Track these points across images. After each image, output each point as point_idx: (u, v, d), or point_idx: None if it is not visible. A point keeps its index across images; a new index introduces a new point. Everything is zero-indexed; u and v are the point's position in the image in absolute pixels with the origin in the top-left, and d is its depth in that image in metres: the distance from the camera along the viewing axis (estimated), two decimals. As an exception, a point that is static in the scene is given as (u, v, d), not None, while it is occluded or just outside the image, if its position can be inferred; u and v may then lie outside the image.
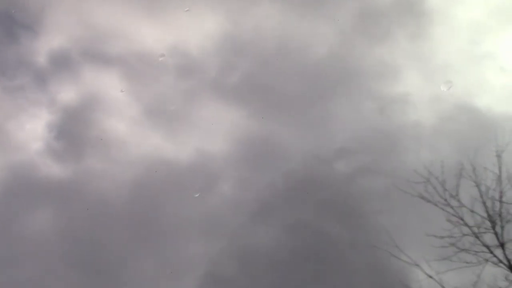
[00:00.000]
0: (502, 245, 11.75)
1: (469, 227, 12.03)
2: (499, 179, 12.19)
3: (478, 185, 12.09)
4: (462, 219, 12.11)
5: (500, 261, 11.70)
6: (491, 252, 11.80)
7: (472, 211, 12.08)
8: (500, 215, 11.92)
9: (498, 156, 12.39)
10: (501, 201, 12.04)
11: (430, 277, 11.79)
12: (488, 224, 11.92)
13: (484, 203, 12.01)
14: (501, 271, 11.68)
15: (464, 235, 11.99)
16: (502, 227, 11.83)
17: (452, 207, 12.19)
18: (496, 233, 11.84)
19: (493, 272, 11.72)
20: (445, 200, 12.23)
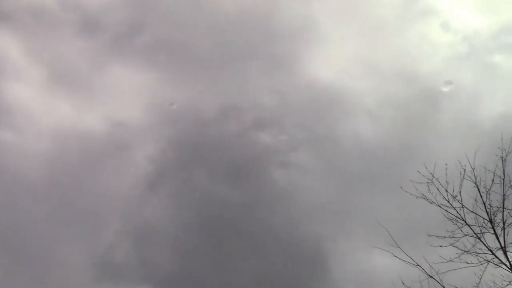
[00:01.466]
0: (503, 247, 11.85)
1: (471, 228, 12.16)
2: (502, 182, 12.29)
3: (479, 187, 12.19)
4: (464, 220, 12.23)
5: (502, 263, 11.78)
6: (493, 254, 11.90)
7: (473, 212, 12.20)
8: (502, 217, 12.03)
9: (503, 159, 12.48)
10: (503, 205, 12.13)
11: (431, 277, 11.90)
12: (489, 225, 12.02)
13: (485, 204, 12.12)
14: (503, 272, 11.77)
15: (465, 235, 12.12)
16: (504, 229, 11.93)
17: (454, 208, 12.33)
18: (497, 235, 11.94)
19: (495, 273, 11.81)
20: (448, 201, 12.38)
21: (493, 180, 12.19)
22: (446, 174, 12.36)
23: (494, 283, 11.70)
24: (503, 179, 12.30)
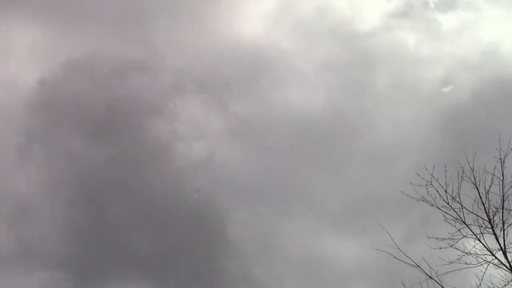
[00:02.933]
0: (503, 248, 11.89)
1: (470, 229, 12.21)
2: (501, 183, 12.35)
3: (478, 188, 12.25)
4: (463, 221, 12.29)
5: (501, 263, 11.82)
6: (492, 255, 11.94)
7: (473, 213, 12.26)
8: (501, 218, 12.08)
9: (501, 161, 12.54)
10: (503, 205, 12.18)
11: (431, 278, 11.95)
12: (489, 226, 12.08)
13: (484, 205, 12.18)
14: (502, 273, 11.81)
15: (465, 236, 12.17)
16: (503, 230, 11.98)
17: (453, 209, 12.39)
18: (497, 236, 11.99)
19: (494, 274, 11.85)
20: (447, 202, 12.44)
21: (492, 181, 12.26)
22: (445, 176, 12.45)
23: (494, 284, 11.75)
24: (502, 180, 12.38)
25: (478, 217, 12.20)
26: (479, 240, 12.12)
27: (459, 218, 12.34)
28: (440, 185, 12.48)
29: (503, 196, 12.23)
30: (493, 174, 12.28)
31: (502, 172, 12.40)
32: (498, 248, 11.95)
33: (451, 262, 12.10)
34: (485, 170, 12.32)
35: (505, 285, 11.57)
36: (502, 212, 12.11)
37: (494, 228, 12.02)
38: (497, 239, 11.97)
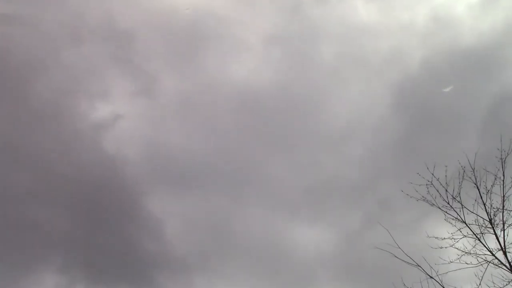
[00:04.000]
0: (503, 248, 11.89)
1: (471, 229, 12.21)
2: (502, 183, 12.35)
3: (479, 188, 12.24)
4: (464, 222, 12.29)
5: (502, 263, 11.83)
6: (493, 254, 11.94)
7: (474, 213, 12.26)
8: (502, 218, 12.08)
9: (502, 161, 12.54)
10: (503, 205, 12.18)
11: (431, 277, 11.94)
12: (489, 226, 12.08)
13: (485, 205, 12.19)
14: (503, 273, 11.81)
15: (465, 236, 12.18)
16: (504, 230, 11.98)
17: (454, 209, 12.39)
18: (497, 236, 11.99)
19: (495, 274, 11.85)
20: (447, 202, 12.43)
21: (493, 181, 12.25)
22: (446, 175, 12.44)
23: (494, 284, 11.75)
24: (503, 180, 12.37)
25: (479, 217, 12.21)
26: (479, 240, 12.13)
27: (459, 217, 12.35)
28: (440, 184, 12.49)
29: (504, 196, 12.25)
30: (494, 175, 12.30)
31: (503, 173, 12.41)
32: (498, 248, 11.96)
33: (451, 262, 12.11)
34: (486, 170, 12.34)
35: (505, 285, 11.58)
36: (503, 212, 12.13)
37: (494, 228, 12.02)
38: (497, 239, 11.97)
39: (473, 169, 12.29)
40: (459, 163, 12.37)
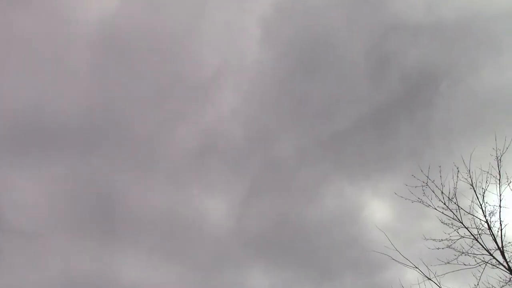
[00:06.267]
0: (501, 248, 11.86)
1: (468, 229, 12.19)
2: (498, 182, 12.32)
3: (475, 188, 12.22)
4: (461, 222, 12.27)
5: (499, 263, 11.80)
6: (490, 255, 11.92)
7: (470, 213, 12.24)
8: (499, 218, 12.05)
9: (498, 160, 12.50)
10: (500, 205, 12.16)
11: (429, 279, 11.96)
12: (486, 226, 12.05)
13: (481, 205, 12.16)
14: (500, 273, 11.79)
15: (463, 237, 12.16)
16: (501, 230, 11.95)
17: (450, 210, 12.38)
18: (494, 236, 11.96)
19: (492, 274, 11.84)
20: (444, 203, 12.42)
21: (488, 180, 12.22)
22: (440, 176, 12.43)
23: (492, 284, 11.75)
24: (499, 179, 12.34)
25: (475, 217, 12.19)
26: (476, 240, 12.10)
27: (456, 218, 12.33)
28: (436, 186, 12.48)
29: (500, 196, 12.22)
30: (490, 174, 12.27)
31: (499, 171, 12.38)
32: (495, 248, 11.93)
33: (449, 263, 12.10)
34: (481, 170, 12.31)
35: (503, 285, 11.56)
36: (500, 211, 12.10)
37: (491, 228, 12.00)
38: (494, 239, 11.94)
39: (469, 170, 12.28)
40: (454, 164, 12.37)
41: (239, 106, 24.37)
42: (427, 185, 12.52)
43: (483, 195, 12.22)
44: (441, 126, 23.83)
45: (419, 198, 12.56)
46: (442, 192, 12.39)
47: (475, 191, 12.29)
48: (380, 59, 24.53)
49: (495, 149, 12.54)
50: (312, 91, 24.08)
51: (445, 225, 12.32)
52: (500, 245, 11.86)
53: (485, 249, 11.99)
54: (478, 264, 11.95)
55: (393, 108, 24.51)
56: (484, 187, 12.26)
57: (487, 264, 11.86)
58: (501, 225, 12.02)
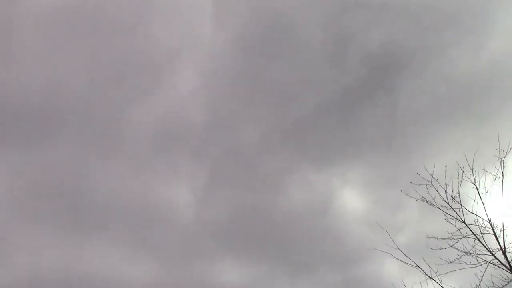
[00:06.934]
0: (503, 248, 11.86)
1: (470, 229, 12.18)
2: (501, 183, 12.34)
3: (478, 188, 12.21)
4: (463, 222, 12.26)
5: (501, 263, 11.80)
6: (492, 255, 11.91)
7: (473, 213, 12.23)
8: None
9: (501, 160, 12.52)
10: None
11: (431, 278, 11.93)
12: (489, 226, 12.05)
13: (484, 205, 12.15)
14: (502, 273, 11.79)
15: (465, 236, 12.14)
16: (503, 230, 11.95)
17: (453, 209, 12.36)
18: (496, 236, 11.96)
19: (494, 274, 11.83)
20: (447, 202, 12.40)
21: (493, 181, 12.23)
22: (445, 176, 12.40)
23: (494, 284, 11.73)
24: (502, 180, 12.36)
25: (478, 217, 12.18)
26: (479, 240, 12.08)
27: (459, 218, 12.31)
28: (440, 185, 12.45)
29: (503, 196, 12.23)
30: (494, 175, 12.28)
31: (502, 172, 12.40)
32: (498, 248, 11.93)
33: (451, 262, 12.08)
34: (484, 170, 12.32)
35: (505, 285, 11.55)
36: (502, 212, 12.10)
37: (494, 228, 11.99)
38: (497, 239, 11.93)
39: (472, 170, 12.28)
40: (458, 163, 12.35)
41: (197, 89, 23.77)
42: (431, 184, 12.50)
43: (486, 195, 12.23)
44: (409, 112, 22.99)
45: (423, 197, 12.54)
46: (445, 191, 12.38)
47: (478, 191, 12.30)
48: (340, 39, 23.54)
49: (498, 149, 12.59)
50: (271, 74, 23.46)
51: (447, 223, 12.29)
52: (502, 246, 11.88)
53: (487, 249, 12.00)
54: (479, 264, 11.95)
55: (357, 92, 23.66)
56: (487, 187, 12.27)
57: (489, 264, 11.86)
58: (503, 225, 12.06)
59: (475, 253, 12.01)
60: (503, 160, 12.50)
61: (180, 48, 23.44)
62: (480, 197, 12.21)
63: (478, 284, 11.82)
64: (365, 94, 23.80)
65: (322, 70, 23.01)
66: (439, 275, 11.92)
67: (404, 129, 22.50)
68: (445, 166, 12.38)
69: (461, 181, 12.28)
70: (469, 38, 22.23)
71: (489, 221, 12.06)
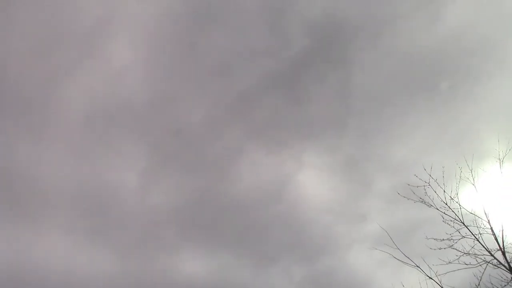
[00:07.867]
0: (502, 248, 11.88)
1: (469, 229, 12.21)
2: (500, 183, 12.37)
3: (477, 188, 12.26)
4: (462, 222, 12.30)
5: (501, 264, 11.81)
6: (491, 255, 11.93)
7: (472, 213, 12.27)
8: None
9: (500, 161, 12.57)
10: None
11: (430, 278, 11.96)
12: (488, 226, 12.08)
13: (483, 206, 12.19)
14: (502, 273, 11.80)
15: (464, 237, 12.17)
16: (502, 230, 11.98)
17: (452, 210, 12.40)
18: (496, 236, 11.98)
19: (494, 274, 11.84)
20: (446, 203, 12.45)
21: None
22: (443, 176, 12.47)
23: (493, 284, 11.74)
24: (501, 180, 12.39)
25: (477, 217, 12.21)
26: (478, 240, 12.11)
27: (457, 218, 12.36)
28: (438, 185, 12.51)
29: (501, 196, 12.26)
30: (492, 175, 12.32)
31: (501, 172, 12.43)
32: (497, 248, 11.94)
33: (450, 262, 12.11)
34: (483, 170, 12.37)
35: (504, 285, 11.56)
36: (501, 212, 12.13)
37: (493, 229, 12.02)
38: (496, 239, 11.96)
39: (471, 170, 12.33)
40: (456, 163, 12.42)
41: (131, 63, 21.66)
42: (429, 184, 12.56)
43: (484, 195, 12.27)
44: (362, 89, 20.75)
45: (421, 198, 12.59)
46: (444, 192, 12.43)
47: (476, 190, 12.34)
48: (277, 6, 21.18)
49: (497, 150, 12.64)
50: (209, 44, 21.43)
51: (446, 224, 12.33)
52: (501, 246, 11.89)
53: (486, 249, 12.01)
54: (479, 264, 11.97)
55: (302, 65, 21.19)
56: (485, 188, 12.31)
57: (488, 264, 11.88)
58: (502, 226, 12.07)
59: (474, 253, 12.05)
60: (502, 160, 12.55)
61: (111, 17, 21.46)
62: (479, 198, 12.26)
63: (477, 284, 11.84)
64: (312, 68, 21.28)
65: (259, 40, 20.93)
66: (439, 275, 11.95)
67: (360, 107, 20.47)
68: (443, 167, 12.45)
69: (459, 181, 12.35)
70: (431, 6, 19.94)
71: (488, 222, 12.10)
